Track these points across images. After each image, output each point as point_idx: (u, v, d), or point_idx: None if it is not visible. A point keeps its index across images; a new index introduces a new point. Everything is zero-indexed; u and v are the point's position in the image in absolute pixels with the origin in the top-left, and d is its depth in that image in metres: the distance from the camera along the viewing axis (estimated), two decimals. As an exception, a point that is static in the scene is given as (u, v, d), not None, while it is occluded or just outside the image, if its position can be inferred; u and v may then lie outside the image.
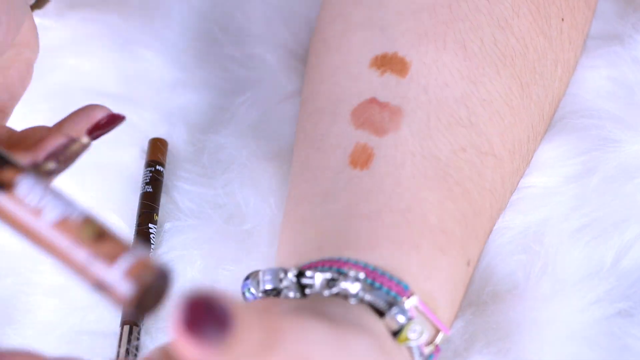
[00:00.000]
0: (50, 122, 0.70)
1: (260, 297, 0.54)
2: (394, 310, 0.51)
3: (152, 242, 0.65)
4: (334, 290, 0.51)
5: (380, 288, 0.52)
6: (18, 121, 0.70)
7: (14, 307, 0.63)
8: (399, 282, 0.52)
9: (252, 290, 0.54)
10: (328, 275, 0.52)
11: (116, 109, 0.70)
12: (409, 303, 0.52)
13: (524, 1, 0.60)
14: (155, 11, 0.75)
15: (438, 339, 0.54)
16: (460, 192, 0.56)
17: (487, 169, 0.57)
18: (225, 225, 0.65)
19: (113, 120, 0.58)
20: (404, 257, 0.53)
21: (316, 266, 0.53)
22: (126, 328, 0.61)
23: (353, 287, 0.51)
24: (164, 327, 0.61)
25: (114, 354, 0.60)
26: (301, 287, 0.53)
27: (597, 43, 0.68)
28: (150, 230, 0.65)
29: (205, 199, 0.67)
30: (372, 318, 0.51)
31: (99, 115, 0.57)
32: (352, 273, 0.51)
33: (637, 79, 0.66)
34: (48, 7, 0.70)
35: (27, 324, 0.62)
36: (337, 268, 0.52)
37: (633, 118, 0.64)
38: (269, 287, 0.53)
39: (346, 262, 0.52)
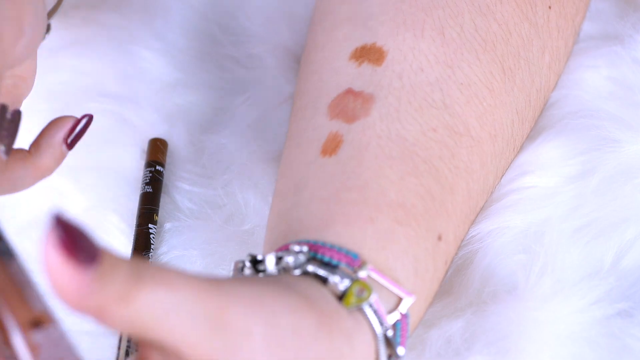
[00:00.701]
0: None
1: None
2: (336, 276, 0.51)
3: (152, 242, 0.65)
4: (281, 266, 0.52)
5: (322, 259, 0.52)
6: (18, 121, 0.70)
7: (14, 307, 0.63)
8: (347, 252, 0.52)
9: None
10: (273, 257, 0.52)
11: (116, 109, 0.71)
12: (362, 272, 0.52)
13: None
14: (155, 11, 0.75)
15: (402, 307, 0.53)
16: (426, 169, 0.56)
17: (462, 149, 0.57)
18: (225, 225, 0.65)
19: (83, 126, 0.59)
20: (358, 231, 0.54)
21: (283, 250, 0.54)
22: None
23: (293, 259, 0.52)
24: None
25: (114, 354, 0.60)
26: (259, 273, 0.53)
27: (597, 43, 0.68)
28: (150, 230, 0.65)
29: (205, 199, 0.67)
30: (315, 287, 0.51)
31: (67, 126, 0.59)
32: (295, 248, 0.52)
33: (637, 79, 0.66)
34: (48, 7, 0.70)
35: (27, 324, 0.62)
36: (287, 249, 0.53)
37: (633, 118, 0.64)
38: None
39: (298, 242, 0.53)
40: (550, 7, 0.62)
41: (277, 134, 0.68)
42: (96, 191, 0.67)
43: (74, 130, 0.59)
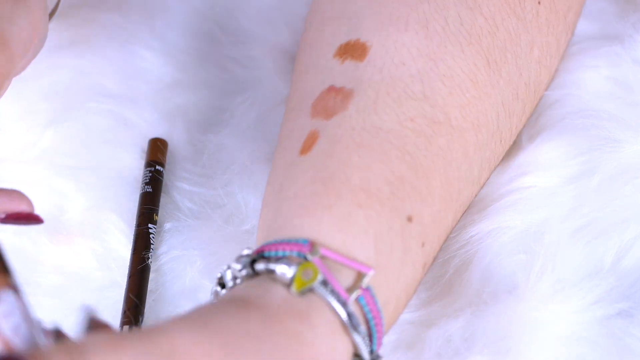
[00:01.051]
0: (50, 122, 0.70)
1: None
2: (281, 265, 0.51)
3: (152, 242, 0.65)
4: (227, 274, 0.53)
5: (269, 255, 0.52)
6: (18, 121, 0.71)
7: (13, 307, 0.63)
8: (296, 241, 0.52)
9: None
10: (229, 271, 0.53)
11: (116, 109, 0.71)
12: (313, 255, 0.51)
13: None
14: (155, 11, 0.75)
15: (364, 282, 0.52)
16: (397, 155, 0.56)
17: (441, 137, 0.57)
18: (225, 225, 0.65)
19: (30, 218, 0.58)
20: (314, 220, 0.53)
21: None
22: (126, 328, 0.61)
23: (237, 265, 0.52)
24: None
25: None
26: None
27: (597, 43, 0.68)
28: (150, 230, 0.65)
29: (205, 199, 0.67)
30: (260, 286, 0.51)
31: (22, 207, 0.57)
32: (244, 252, 0.52)
33: (637, 79, 0.66)
34: (48, 7, 0.70)
35: (27, 324, 0.62)
36: (254, 252, 0.53)
37: (633, 118, 0.64)
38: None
39: (259, 248, 0.53)
40: (539, 3, 0.62)
41: (277, 134, 0.68)
42: (96, 191, 0.67)
43: (16, 218, 0.57)
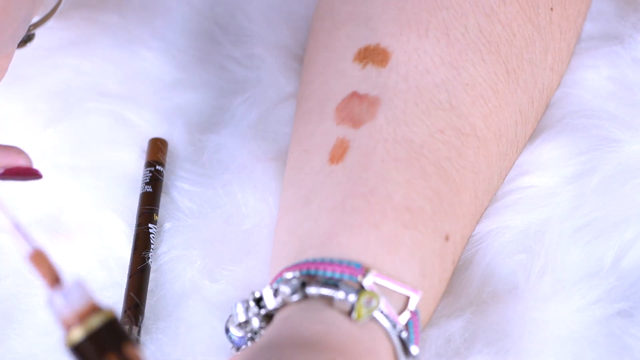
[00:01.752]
0: (50, 122, 0.70)
1: (242, 339, 0.54)
2: (340, 292, 0.51)
3: (152, 242, 0.65)
4: (278, 298, 0.52)
5: (325, 275, 0.52)
6: (18, 120, 0.71)
7: (14, 307, 0.63)
8: (349, 263, 0.52)
9: (233, 332, 0.55)
10: (270, 290, 0.52)
11: (116, 109, 0.71)
12: (367, 280, 0.52)
13: None
14: (155, 11, 0.75)
15: (411, 305, 0.53)
16: (434, 171, 0.56)
17: (469, 150, 0.57)
18: (225, 225, 0.65)
19: (29, 173, 0.57)
20: (362, 238, 0.53)
21: (279, 277, 0.54)
22: (125, 329, 0.61)
23: (286, 288, 0.52)
24: (164, 327, 0.61)
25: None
26: (267, 315, 0.53)
27: (597, 43, 0.68)
28: (150, 230, 0.65)
29: (205, 199, 0.67)
30: (320, 312, 0.51)
31: (20, 162, 0.57)
32: (288, 275, 0.52)
33: (637, 79, 0.66)
34: (48, 7, 0.70)
35: (27, 324, 0.62)
36: (292, 272, 0.53)
37: (633, 118, 0.64)
38: (242, 320, 0.54)
39: (297, 264, 0.53)
40: (552, 9, 0.62)
41: (277, 134, 0.68)
42: (96, 191, 0.67)
43: (15, 173, 0.57)
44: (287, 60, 0.72)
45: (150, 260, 0.64)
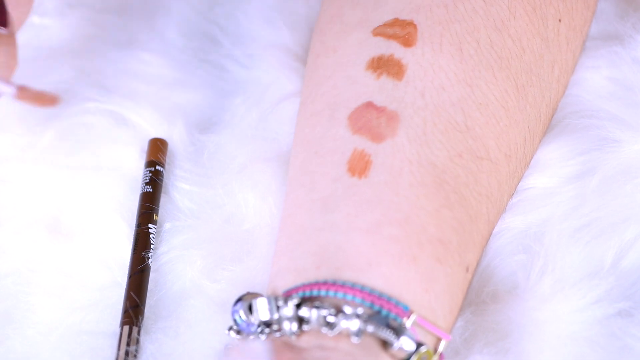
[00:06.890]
0: (50, 122, 0.70)
1: (251, 326, 0.54)
2: (401, 340, 0.52)
3: (152, 242, 0.65)
4: (335, 331, 0.52)
5: (379, 312, 0.52)
6: (18, 120, 0.71)
7: (14, 307, 0.63)
8: (397, 303, 0.53)
9: (242, 316, 0.54)
10: (324, 312, 0.52)
11: (116, 109, 0.71)
12: (409, 322, 0.53)
13: (520, 2, 0.60)
14: (155, 11, 0.75)
15: (441, 347, 0.54)
16: (456, 199, 0.56)
17: (483, 174, 0.57)
18: (225, 225, 0.65)
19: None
20: (403, 272, 0.54)
21: (312, 289, 0.53)
22: (126, 328, 0.61)
23: (353, 324, 0.52)
24: (163, 327, 0.61)
25: (113, 354, 0.60)
26: (299, 319, 0.53)
27: (597, 43, 0.68)
28: (150, 230, 0.65)
29: (205, 199, 0.67)
30: (375, 357, 0.52)
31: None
32: (349, 310, 0.52)
33: (637, 79, 0.66)
34: (48, 7, 0.70)
35: (27, 324, 0.62)
36: (334, 292, 0.53)
37: (633, 118, 0.64)
38: (265, 318, 0.54)
39: (342, 286, 0.53)
40: (560, 20, 0.62)
41: (277, 134, 0.68)
42: (96, 191, 0.67)
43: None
44: (287, 60, 0.72)
45: (150, 260, 0.64)
